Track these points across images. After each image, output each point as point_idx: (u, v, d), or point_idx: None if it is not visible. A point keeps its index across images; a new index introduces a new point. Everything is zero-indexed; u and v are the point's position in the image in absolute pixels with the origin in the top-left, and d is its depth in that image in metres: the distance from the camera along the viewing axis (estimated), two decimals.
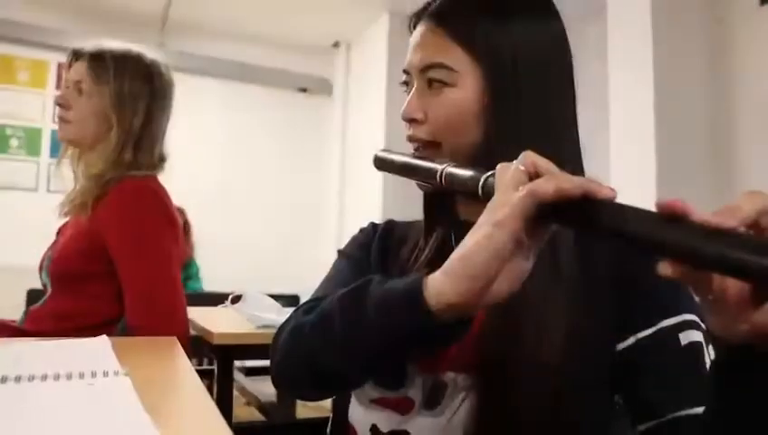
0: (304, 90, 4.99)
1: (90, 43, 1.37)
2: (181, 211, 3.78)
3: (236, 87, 4.76)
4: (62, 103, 1.34)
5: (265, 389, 1.60)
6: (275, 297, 1.64)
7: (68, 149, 1.42)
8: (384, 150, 0.79)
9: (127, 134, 1.31)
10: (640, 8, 2.87)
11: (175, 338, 0.98)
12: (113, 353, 0.75)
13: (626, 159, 2.90)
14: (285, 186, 4.84)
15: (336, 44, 4.84)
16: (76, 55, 1.35)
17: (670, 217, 0.41)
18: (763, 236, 0.38)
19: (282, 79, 4.88)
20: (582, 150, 0.72)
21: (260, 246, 4.56)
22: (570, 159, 0.68)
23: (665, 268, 0.41)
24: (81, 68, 1.34)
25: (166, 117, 1.40)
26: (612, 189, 0.46)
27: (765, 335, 0.42)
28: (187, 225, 3.81)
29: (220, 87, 4.71)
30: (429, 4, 0.74)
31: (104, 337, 0.86)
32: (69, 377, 0.58)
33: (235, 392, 1.86)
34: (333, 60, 4.96)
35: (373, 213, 3.94)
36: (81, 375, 0.58)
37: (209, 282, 3.93)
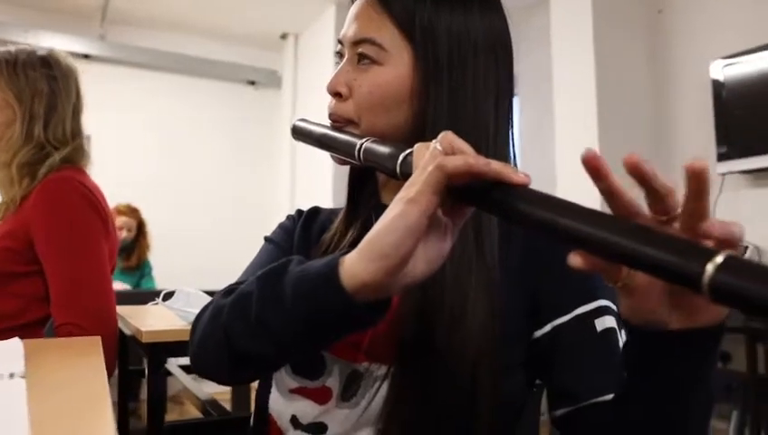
0: (253, 82, 4.92)
1: None
2: (135, 211, 3.69)
3: (182, 80, 4.67)
4: None
5: (206, 387, 1.58)
6: None
7: None
8: (303, 120, 0.77)
9: (31, 118, 1.32)
10: None
11: (97, 338, 0.95)
12: (21, 356, 0.72)
13: (570, 144, 2.96)
14: (235, 180, 4.78)
15: (284, 36, 4.78)
16: None
17: (583, 208, 0.41)
18: (678, 235, 0.38)
19: (229, 72, 4.80)
20: (512, 147, 0.71)
21: (209, 241, 4.50)
22: (497, 152, 0.67)
23: (575, 259, 0.41)
24: None
25: (71, 98, 1.40)
26: (527, 175, 0.46)
27: (666, 315, 0.43)
28: (142, 224, 3.74)
29: (165, 80, 4.60)
30: None
31: (16, 339, 0.83)
32: None
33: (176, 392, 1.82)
34: (281, 52, 4.90)
35: (324, 206, 3.91)
36: None
37: (158, 279, 3.86)
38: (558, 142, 3.02)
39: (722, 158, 2.67)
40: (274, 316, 0.54)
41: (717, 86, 2.71)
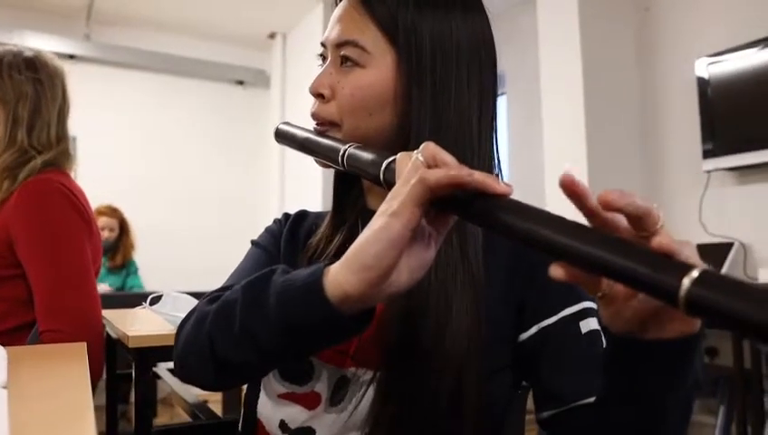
0: (241, 82, 4.90)
1: None
2: (116, 211, 3.69)
3: (169, 80, 4.64)
4: None
5: (196, 389, 1.57)
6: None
7: None
8: (286, 123, 0.77)
9: (15, 121, 1.31)
10: None
11: (83, 345, 0.94)
12: (4, 365, 0.71)
13: (559, 142, 2.98)
14: (224, 180, 4.76)
15: (272, 35, 4.76)
16: None
17: (564, 220, 0.41)
18: (657, 250, 0.38)
19: (217, 72, 4.78)
20: (496, 148, 0.71)
21: (198, 241, 4.48)
22: (480, 156, 0.67)
23: (556, 271, 0.42)
24: None
25: (57, 101, 1.38)
26: (509, 186, 0.46)
27: (646, 324, 0.44)
28: (124, 223, 3.74)
29: (152, 80, 4.57)
30: None
31: (0, 347, 0.82)
32: None
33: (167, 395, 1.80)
34: (270, 51, 4.88)
35: (314, 206, 3.91)
36: None
37: (147, 280, 3.84)
38: (546, 140, 3.04)
39: (707, 155, 2.69)
40: (259, 325, 0.54)
41: (702, 83, 2.73)
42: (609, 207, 0.40)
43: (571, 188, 0.42)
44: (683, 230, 2.74)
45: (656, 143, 3.00)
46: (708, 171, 2.70)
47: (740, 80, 2.60)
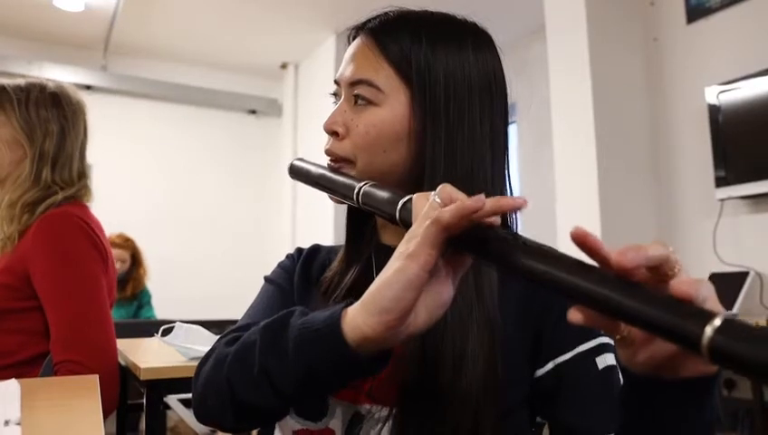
0: (254, 112, 4.96)
1: None
2: (128, 240, 3.65)
3: (183, 110, 4.72)
4: None
5: None
6: (225, 323, 1.60)
7: None
8: (301, 159, 0.78)
9: (41, 157, 1.32)
10: (577, 26, 2.97)
11: (95, 377, 0.94)
12: (18, 400, 0.71)
13: (569, 171, 2.97)
14: (236, 208, 4.80)
15: (284, 66, 4.84)
16: None
17: (583, 264, 0.41)
18: (674, 296, 0.38)
19: (230, 101, 4.86)
20: (508, 182, 0.72)
21: (211, 269, 4.50)
22: (494, 189, 0.68)
23: (575, 315, 0.42)
24: None
25: (80, 137, 1.40)
26: (523, 199, 0.47)
27: (664, 365, 0.43)
28: (136, 254, 3.69)
29: (166, 110, 4.66)
30: (370, 19, 0.73)
31: (13, 381, 0.82)
32: None
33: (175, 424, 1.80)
34: (282, 81, 4.95)
35: (326, 235, 3.93)
36: None
37: (159, 309, 3.85)
38: (557, 169, 3.04)
39: (720, 183, 2.67)
40: (277, 368, 0.55)
41: (714, 111, 2.72)
42: (624, 268, 0.40)
43: (582, 240, 0.42)
44: (697, 260, 2.71)
45: (667, 171, 2.99)
46: (721, 200, 2.68)
47: (752, 108, 2.60)
